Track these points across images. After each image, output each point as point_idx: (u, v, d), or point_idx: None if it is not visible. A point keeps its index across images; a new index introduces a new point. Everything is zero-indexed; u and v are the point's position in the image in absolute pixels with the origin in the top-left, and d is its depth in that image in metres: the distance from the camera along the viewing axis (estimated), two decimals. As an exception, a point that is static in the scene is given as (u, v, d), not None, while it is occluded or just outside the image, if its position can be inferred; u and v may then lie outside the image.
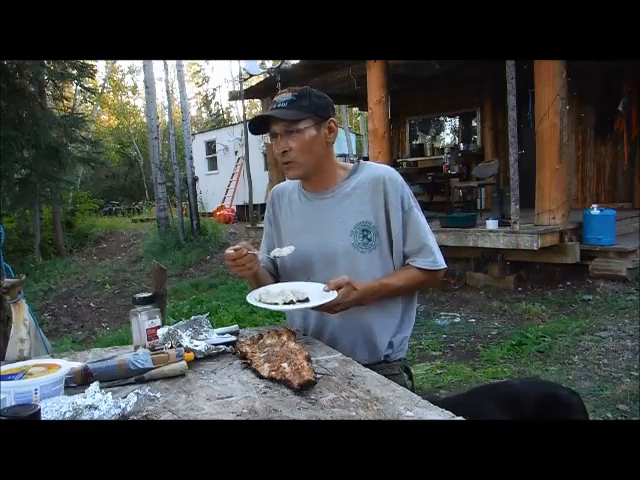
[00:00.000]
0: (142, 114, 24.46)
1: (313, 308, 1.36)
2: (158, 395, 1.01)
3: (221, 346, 1.33)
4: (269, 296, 1.35)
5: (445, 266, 1.51)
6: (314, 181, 1.53)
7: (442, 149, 10.33)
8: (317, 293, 1.35)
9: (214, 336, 1.38)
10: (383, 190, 1.46)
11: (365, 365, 1.22)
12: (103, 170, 19.73)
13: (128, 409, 0.94)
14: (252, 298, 1.37)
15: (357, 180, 1.50)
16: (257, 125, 1.50)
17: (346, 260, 1.47)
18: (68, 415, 0.90)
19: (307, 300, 1.33)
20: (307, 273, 1.53)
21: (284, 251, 1.46)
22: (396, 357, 1.54)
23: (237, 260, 1.38)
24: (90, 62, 10.65)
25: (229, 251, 1.40)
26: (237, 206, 14.58)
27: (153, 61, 12.32)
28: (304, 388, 1.02)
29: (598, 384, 3.39)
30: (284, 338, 1.26)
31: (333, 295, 1.31)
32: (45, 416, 0.88)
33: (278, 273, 1.64)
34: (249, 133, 1.57)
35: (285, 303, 1.32)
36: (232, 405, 0.99)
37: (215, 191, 15.55)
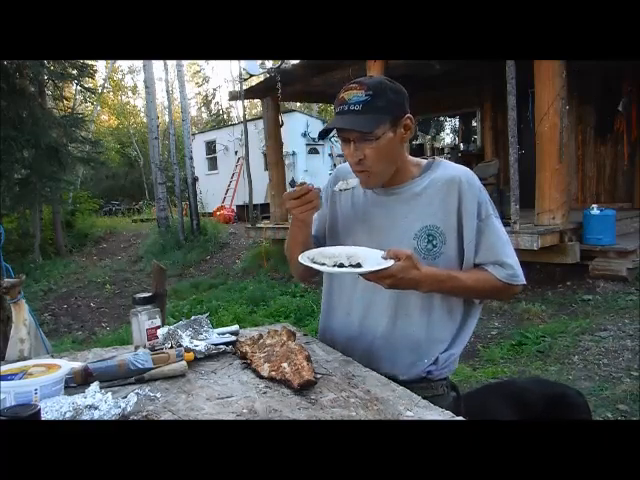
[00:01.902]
0: (142, 114, 24.45)
1: (363, 275, 1.19)
2: (158, 395, 1.01)
3: (221, 346, 1.33)
4: (322, 256, 1.24)
5: (524, 282, 1.33)
6: None
7: (442, 149, 10.33)
8: (374, 260, 1.20)
9: (214, 336, 1.38)
10: (458, 193, 1.30)
11: (402, 382, 1.14)
12: (103, 170, 19.73)
13: (128, 409, 0.94)
14: (305, 257, 1.24)
15: (430, 179, 1.34)
16: (325, 130, 1.36)
17: None
18: (68, 415, 0.90)
19: (359, 265, 1.20)
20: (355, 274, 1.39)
21: (351, 183, 1.33)
22: (440, 375, 1.36)
23: (303, 197, 1.24)
24: (90, 62, 10.66)
25: (289, 191, 1.27)
26: (237, 206, 14.58)
27: (153, 61, 12.33)
28: (304, 388, 1.02)
29: (598, 384, 3.39)
30: (284, 338, 1.26)
31: (389, 263, 1.16)
32: (45, 416, 0.88)
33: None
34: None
35: (335, 265, 1.20)
36: (232, 405, 0.99)
37: (215, 191, 15.54)
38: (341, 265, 1.21)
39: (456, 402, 1.38)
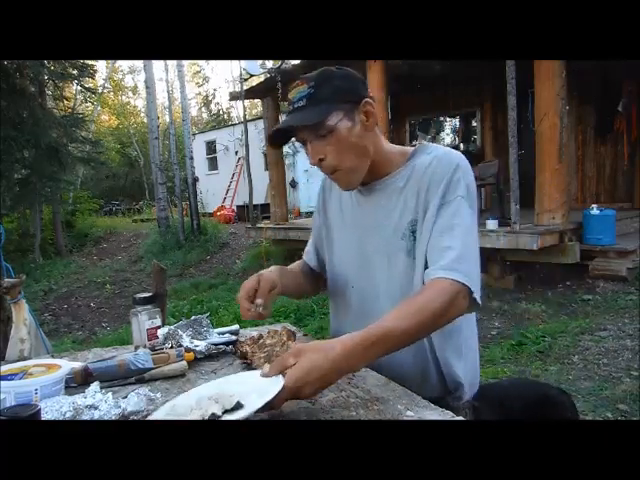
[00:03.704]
0: (142, 114, 24.46)
1: (258, 412, 0.85)
2: (158, 395, 1.01)
3: (221, 346, 1.33)
4: (178, 412, 0.90)
5: (473, 289, 1.03)
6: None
7: (442, 149, 10.32)
8: (256, 387, 0.90)
9: (214, 336, 1.38)
10: (429, 176, 1.14)
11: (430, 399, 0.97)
12: (103, 170, 19.75)
13: (128, 409, 0.94)
14: (160, 415, 0.90)
15: (412, 167, 1.19)
16: (278, 137, 1.21)
17: (401, 269, 1.18)
18: (68, 415, 0.90)
19: (239, 406, 0.88)
20: (348, 282, 1.29)
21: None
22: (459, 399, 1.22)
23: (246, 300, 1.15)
24: (90, 62, 10.65)
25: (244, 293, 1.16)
26: (237, 206, 14.59)
27: (153, 61, 12.33)
28: (304, 388, 1.01)
29: (598, 384, 3.38)
30: (284, 338, 1.26)
31: (276, 386, 0.86)
32: (45, 416, 0.88)
33: (322, 269, 1.42)
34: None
35: (204, 417, 0.86)
36: (232, 405, 0.99)
37: (215, 191, 15.56)
38: (213, 415, 0.86)
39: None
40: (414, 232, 1.16)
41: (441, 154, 1.17)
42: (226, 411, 0.88)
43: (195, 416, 0.87)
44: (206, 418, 0.85)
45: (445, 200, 1.12)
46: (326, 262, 1.40)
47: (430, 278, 1.06)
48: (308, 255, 1.47)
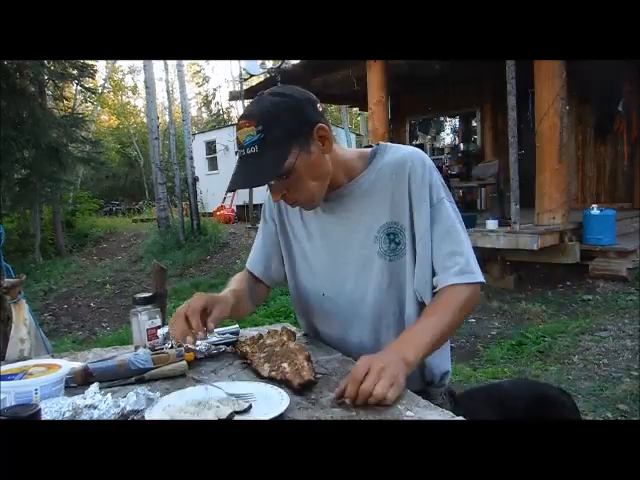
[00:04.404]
0: (142, 114, 24.46)
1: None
2: (158, 395, 1.01)
3: (221, 346, 1.33)
4: (183, 410, 0.92)
5: (482, 280, 1.15)
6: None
7: (442, 149, 10.34)
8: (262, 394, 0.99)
9: (214, 336, 1.38)
10: (408, 177, 1.15)
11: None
12: (103, 170, 19.72)
13: (128, 408, 0.94)
14: (156, 412, 0.91)
15: (377, 169, 1.20)
16: (239, 186, 1.15)
17: (376, 272, 1.20)
18: (67, 415, 0.90)
19: (250, 408, 0.93)
20: (319, 290, 1.30)
21: None
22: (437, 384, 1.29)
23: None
24: (90, 62, 10.65)
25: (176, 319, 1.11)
26: (237, 206, 14.58)
27: (153, 61, 12.33)
28: (304, 388, 1.02)
29: (598, 384, 3.39)
30: (284, 338, 1.26)
31: (282, 404, 0.91)
32: (45, 417, 0.88)
33: (268, 279, 1.39)
34: None
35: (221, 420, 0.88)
36: (232, 405, 0.99)
37: (215, 191, 15.54)
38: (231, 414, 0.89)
39: (453, 405, 1.32)
40: (390, 234, 1.18)
41: (409, 155, 1.18)
42: (237, 413, 0.91)
43: (209, 415, 0.89)
44: (223, 418, 0.88)
45: (432, 204, 1.16)
46: (284, 271, 1.38)
47: (444, 285, 1.14)
48: (253, 264, 1.41)
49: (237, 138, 1.09)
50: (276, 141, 1.05)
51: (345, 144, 17.17)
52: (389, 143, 1.26)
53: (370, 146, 1.28)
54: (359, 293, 1.24)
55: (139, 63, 20.24)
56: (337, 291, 1.28)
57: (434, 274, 1.17)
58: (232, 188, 1.13)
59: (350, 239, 1.23)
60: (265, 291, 1.42)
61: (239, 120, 1.09)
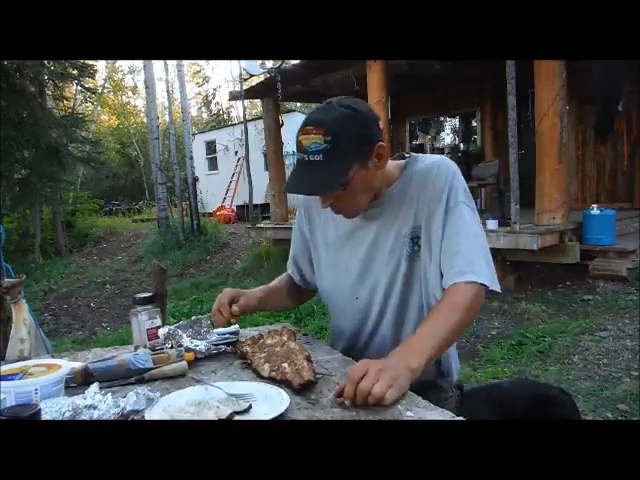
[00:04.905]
0: (142, 114, 24.45)
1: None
2: (158, 395, 1.01)
3: (221, 346, 1.33)
4: (183, 410, 0.92)
5: (485, 282, 1.13)
6: None
7: (442, 149, 10.33)
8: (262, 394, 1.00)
9: (214, 336, 1.38)
10: (432, 182, 1.19)
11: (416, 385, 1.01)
12: (103, 170, 19.73)
13: (127, 408, 0.94)
14: (156, 412, 0.91)
15: (409, 178, 1.24)
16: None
17: (403, 271, 1.24)
18: (67, 415, 0.90)
19: (250, 408, 0.93)
20: (352, 294, 1.32)
21: None
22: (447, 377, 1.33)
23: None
24: (90, 62, 10.65)
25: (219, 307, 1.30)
26: (237, 206, 14.59)
27: (153, 61, 12.33)
28: (304, 388, 1.02)
29: (598, 384, 3.39)
30: (284, 338, 1.26)
31: (283, 404, 0.92)
32: (45, 417, 0.88)
33: (306, 285, 1.48)
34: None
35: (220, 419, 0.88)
36: (232, 405, 0.98)
37: (215, 191, 15.56)
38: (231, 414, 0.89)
39: (460, 400, 1.37)
40: (413, 238, 1.22)
41: (437, 162, 1.23)
42: (237, 413, 0.91)
43: (210, 415, 0.89)
44: (223, 418, 0.88)
45: (449, 207, 1.18)
46: (315, 277, 1.44)
47: (448, 284, 1.15)
48: (291, 271, 1.51)
49: (299, 141, 1.10)
50: (342, 154, 1.08)
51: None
52: (420, 154, 1.31)
53: (403, 156, 1.32)
54: (387, 292, 1.28)
55: (139, 63, 20.25)
56: (367, 295, 1.31)
57: (442, 274, 1.19)
58: (293, 191, 1.15)
59: (381, 244, 1.27)
60: (308, 292, 1.53)
61: (305, 124, 1.10)
